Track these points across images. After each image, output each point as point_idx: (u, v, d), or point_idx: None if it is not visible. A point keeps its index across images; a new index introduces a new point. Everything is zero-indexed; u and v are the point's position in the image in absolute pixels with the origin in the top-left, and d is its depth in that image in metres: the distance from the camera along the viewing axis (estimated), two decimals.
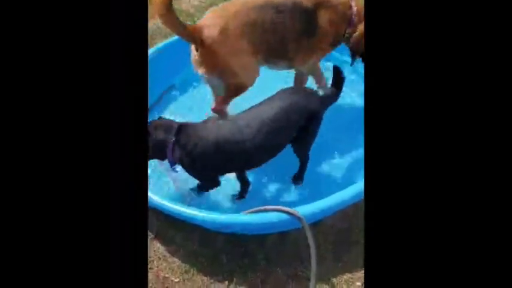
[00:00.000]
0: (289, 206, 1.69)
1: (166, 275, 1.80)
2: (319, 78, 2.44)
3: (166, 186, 2.11)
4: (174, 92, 2.70)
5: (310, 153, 2.01)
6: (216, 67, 1.99)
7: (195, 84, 2.68)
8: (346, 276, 1.76)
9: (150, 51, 2.61)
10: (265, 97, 1.87)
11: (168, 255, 1.87)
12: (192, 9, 3.53)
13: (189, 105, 2.59)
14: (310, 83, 2.44)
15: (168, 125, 1.76)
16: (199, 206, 1.84)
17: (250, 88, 2.10)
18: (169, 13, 1.80)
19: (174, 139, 1.73)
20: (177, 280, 1.79)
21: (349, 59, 2.25)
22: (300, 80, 2.38)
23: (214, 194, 2.05)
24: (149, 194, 1.77)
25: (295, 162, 2.03)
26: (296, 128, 1.82)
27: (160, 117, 1.86)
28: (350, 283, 1.74)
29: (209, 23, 1.95)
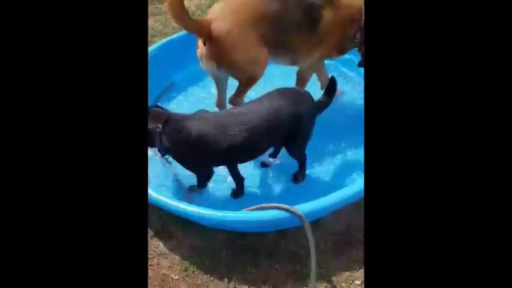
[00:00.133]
0: (289, 204, 1.69)
1: (167, 272, 1.81)
2: (323, 81, 2.44)
3: (166, 183, 2.11)
4: (174, 91, 2.69)
5: (310, 152, 2.00)
6: (225, 60, 1.99)
7: (195, 82, 2.67)
8: (346, 274, 1.75)
9: (150, 49, 2.60)
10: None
11: (168, 252, 1.88)
12: (193, 7, 3.53)
13: (189, 103, 2.59)
14: (311, 82, 2.44)
15: (156, 114, 1.78)
16: (199, 204, 1.83)
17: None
18: (179, 6, 1.83)
19: (160, 128, 1.75)
20: (177, 277, 1.79)
21: (351, 57, 2.25)
22: (301, 78, 2.37)
23: (214, 191, 2.05)
24: (149, 191, 1.77)
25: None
26: (286, 130, 1.82)
27: (157, 106, 1.89)
28: (350, 281, 1.74)
29: (217, 16, 1.96)
